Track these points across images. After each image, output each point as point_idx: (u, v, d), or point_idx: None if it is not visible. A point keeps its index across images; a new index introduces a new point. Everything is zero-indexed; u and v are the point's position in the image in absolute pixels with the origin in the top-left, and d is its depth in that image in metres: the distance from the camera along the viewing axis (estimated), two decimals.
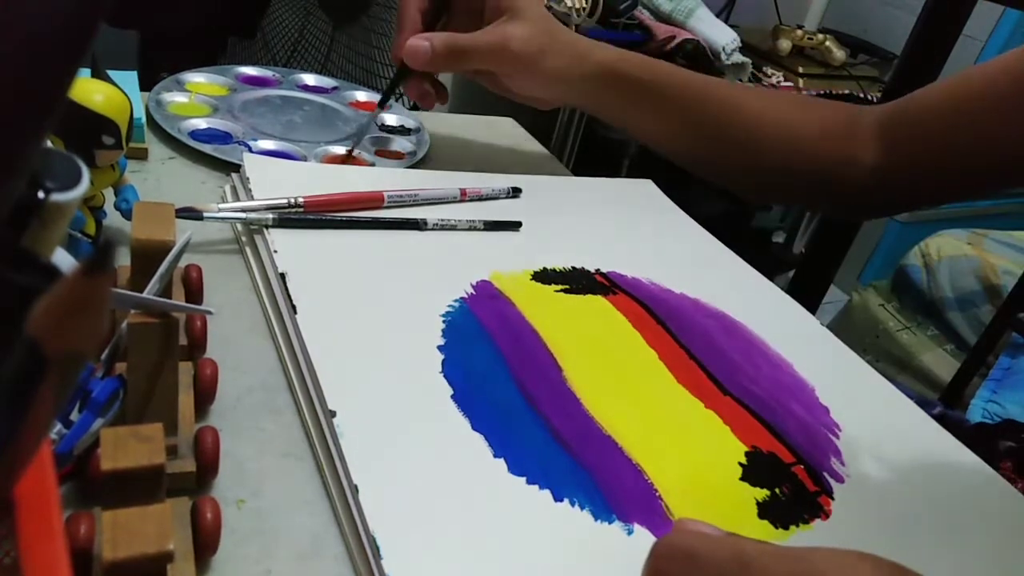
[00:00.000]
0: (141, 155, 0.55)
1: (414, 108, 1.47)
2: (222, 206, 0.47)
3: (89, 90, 0.40)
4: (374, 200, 0.52)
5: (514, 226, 0.54)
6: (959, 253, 1.54)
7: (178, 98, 0.63)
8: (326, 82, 0.73)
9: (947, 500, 0.40)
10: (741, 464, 0.39)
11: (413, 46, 0.56)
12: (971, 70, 0.58)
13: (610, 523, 0.34)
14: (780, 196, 0.92)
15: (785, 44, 1.89)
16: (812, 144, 0.63)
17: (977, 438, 0.56)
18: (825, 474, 0.40)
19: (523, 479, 0.34)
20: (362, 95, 0.73)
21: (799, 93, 0.65)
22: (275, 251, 0.44)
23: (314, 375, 0.37)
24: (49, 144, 0.36)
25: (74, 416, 0.30)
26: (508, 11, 0.57)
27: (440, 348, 0.41)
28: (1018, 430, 0.65)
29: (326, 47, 1.53)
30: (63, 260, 0.25)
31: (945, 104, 0.58)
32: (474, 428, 0.36)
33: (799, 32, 1.91)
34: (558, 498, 0.34)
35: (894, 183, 0.61)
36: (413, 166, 0.63)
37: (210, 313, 0.36)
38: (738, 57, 1.67)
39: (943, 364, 1.48)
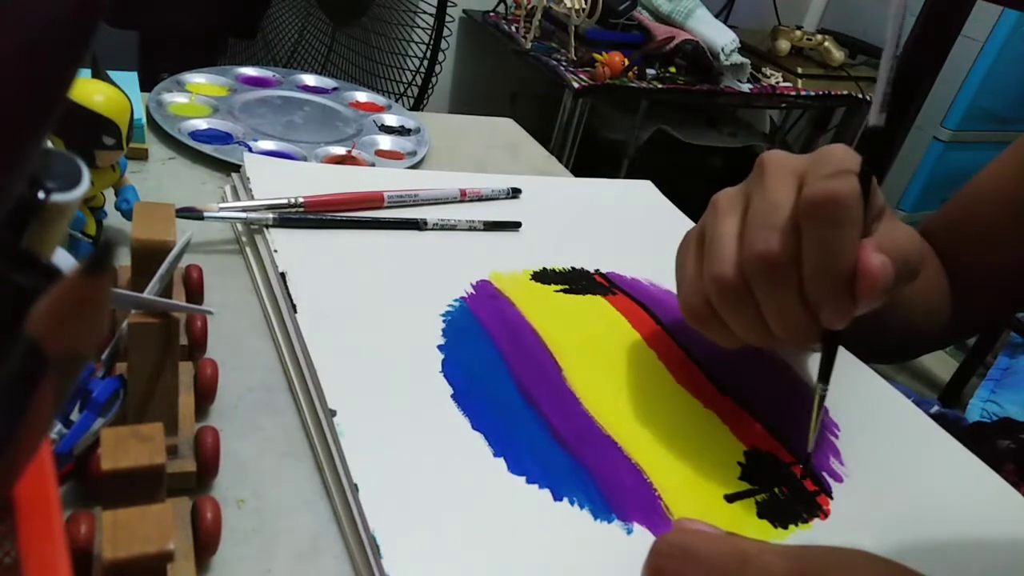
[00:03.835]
0: (141, 155, 0.55)
1: (414, 108, 1.48)
2: (222, 206, 0.47)
3: (89, 90, 0.40)
4: (374, 200, 0.52)
5: (514, 226, 0.54)
6: None
7: (178, 99, 0.63)
8: (326, 83, 0.73)
9: (945, 499, 0.40)
10: (740, 464, 0.39)
11: (881, 265, 0.34)
12: (979, 178, 0.57)
13: (610, 522, 0.34)
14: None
15: (784, 45, 1.89)
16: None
17: (974, 437, 0.56)
18: (824, 474, 0.40)
19: (523, 478, 0.34)
20: (362, 95, 0.73)
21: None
22: (275, 251, 0.44)
23: (314, 375, 0.37)
24: (49, 144, 0.36)
25: (74, 416, 0.30)
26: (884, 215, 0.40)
27: (440, 348, 0.41)
28: (1016, 429, 0.65)
29: (326, 48, 1.53)
30: (63, 260, 0.25)
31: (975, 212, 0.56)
32: (474, 427, 0.36)
33: (798, 33, 1.91)
34: (558, 497, 0.34)
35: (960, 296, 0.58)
36: (413, 166, 0.63)
37: (210, 313, 0.36)
38: (737, 58, 1.67)
39: (942, 364, 1.48)
